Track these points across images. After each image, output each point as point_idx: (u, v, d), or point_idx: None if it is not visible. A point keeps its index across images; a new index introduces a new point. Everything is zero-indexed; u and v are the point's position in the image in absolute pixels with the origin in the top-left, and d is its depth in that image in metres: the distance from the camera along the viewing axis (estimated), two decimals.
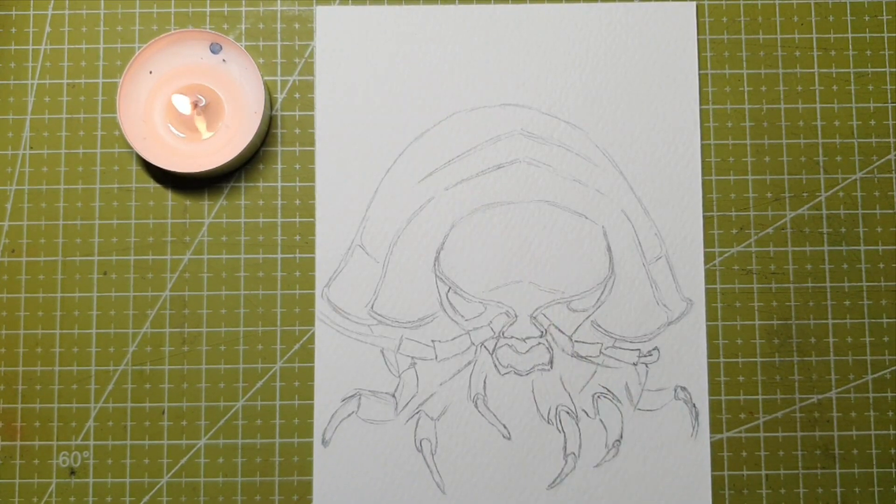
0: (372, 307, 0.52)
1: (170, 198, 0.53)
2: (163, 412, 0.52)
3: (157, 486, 0.51)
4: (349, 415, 0.51)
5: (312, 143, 0.53)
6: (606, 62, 0.54)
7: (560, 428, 0.51)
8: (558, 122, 0.53)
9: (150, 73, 0.53)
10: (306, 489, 0.51)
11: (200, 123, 0.53)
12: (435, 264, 0.52)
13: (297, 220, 0.53)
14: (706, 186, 0.53)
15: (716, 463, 0.51)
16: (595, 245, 0.52)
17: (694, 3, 0.54)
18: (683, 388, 0.51)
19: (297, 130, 0.54)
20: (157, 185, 0.53)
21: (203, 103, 0.52)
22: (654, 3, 0.54)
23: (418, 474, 0.51)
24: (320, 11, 0.54)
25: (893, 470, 0.52)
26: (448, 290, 0.52)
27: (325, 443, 0.51)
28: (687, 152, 0.53)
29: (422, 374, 0.52)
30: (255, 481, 0.51)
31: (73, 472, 0.51)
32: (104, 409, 0.52)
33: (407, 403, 0.51)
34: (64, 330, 0.52)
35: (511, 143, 0.53)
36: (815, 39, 0.54)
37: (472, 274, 0.52)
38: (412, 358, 0.52)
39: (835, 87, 0.54)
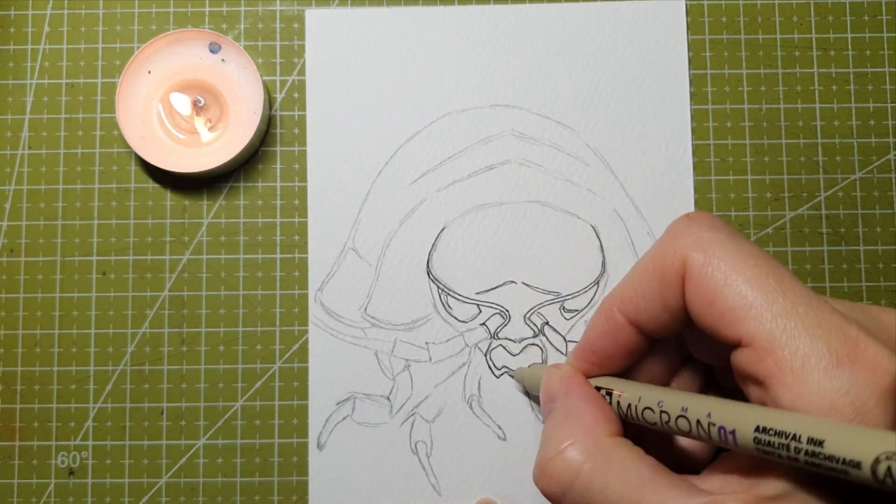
0: (365, 310, 0.52)
1: (168, 198, 0.53)
2: (161, 412, 0.52)
3: (156, 487, 0.51)
4: (344, 418, 0.51)
5: None
6: (596, 62, 0.54)
7: None
8: (549, 122, 0.53)
9: (149, 72, 0.53)
10: (305, 489, 0.51)
11: (199, 123, 0.53)
12: (428, 266, 0.52)
13: (296, 220, 0.53)
14: (705, 187, 0.53)
15: None
16: (588, 245, 0.52)
17: (683, 2, 0.54)
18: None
19: (296, 130, 0.54)
20: (156, 185, 0.53)
21: (202, 103, 0.53)
22: (643, 3, 0.54)
23: (414, 476, 0.51)
24: (310, 14, 0.54)
25: None
26: (441, 292, 0.52)
27: (320, 446, 0.51)
28: (678, 151, 0.53)
29: (416, 377, 0.52)
30: (254, 481, 0.51)
31: (71, 473, 0.52)
32: (103, 410, 0.52)
33: (402, 406, 0.51)
34: (62, 330, 0.52)
35: (502, 143, 0.53)
36: (814, 39, 0.54)
37: (466, 275, 0.52)
38: (406, 360, 0.52)
39: (834, 87, 0.54)
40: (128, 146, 0.53)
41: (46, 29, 0.54)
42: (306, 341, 0.52)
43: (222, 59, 0.53)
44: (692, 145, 0.53)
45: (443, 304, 0.52)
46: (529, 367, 0.50)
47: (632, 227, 0.52)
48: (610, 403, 0.39)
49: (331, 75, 0.54)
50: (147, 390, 0.52)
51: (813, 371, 0.31)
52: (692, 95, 0.54)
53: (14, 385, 0.52)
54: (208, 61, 0.53)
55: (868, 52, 0.54)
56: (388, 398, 0.52)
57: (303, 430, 0.52)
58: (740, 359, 0.33)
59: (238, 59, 0.53)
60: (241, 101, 0.53)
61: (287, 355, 0.52)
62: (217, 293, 0.53)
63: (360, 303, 0.52)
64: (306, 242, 0.53)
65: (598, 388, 0.40)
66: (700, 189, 0.53)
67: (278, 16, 0.55)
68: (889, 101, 0.54)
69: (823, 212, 0.53)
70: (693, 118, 0.53)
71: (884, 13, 0.54)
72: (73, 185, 0.53)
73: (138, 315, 0.53)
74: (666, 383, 0.42)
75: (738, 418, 0.32)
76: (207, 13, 0.55)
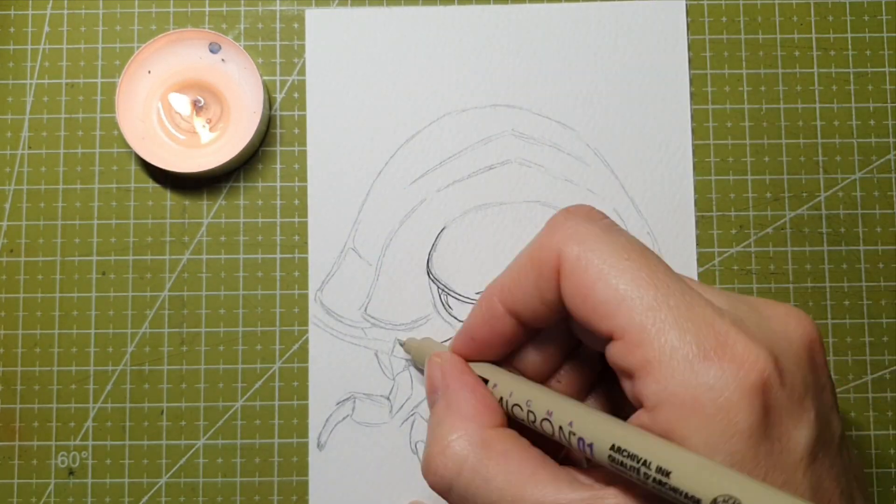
0: (365, 310, 0.52)
1: (168, 198, 0.53)
2: (161, 412, 0.52)
3: (156, 487, 0.51)
4: (344, 418, 0.51)
5: None
6: (596, 62, 0.54)
7: None
8: (549, 122, 0.53)
9: (149, 72, 0.53)
10: (305, 489, 0.51)
11: (199, 123, 0.53)
12: (428, 266, 0.52)
13: (296, 220, 0.53)
14: (705, 187, 0.53)
15: None
16: None
17: (683, 2, 0.54)
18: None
19: (296, 130, 0.54)
20: (156, 185, 0.53)
21: (202, 103, 0.53)
22: (643, 3, 0.54)
23: (414, 476, 0.51)
24: (310, 14, 0.54)
25: (893, 470, 0.51)
26: (441, 292, 0.52)
27: (320, 446, 0.51)
28: (679, 150, 0.53)
29: (416, 376, 0.52)
30: (254, 481, 0.51)
31: (71, 473, 0.52)
32: (103, 410, 0.52)
33: (402, 406, 0.51)
34: (62, 330, 0.52)
35: (502, 143, 0.53)
36: (814, 39, 0.54)
37: (466, 275, 0.52)
38: (406, 360, 0.52)
39: (834, 87, 0.54)
40: (128, 146, 0.53)
41: (46, 29, 0.54)
42: (306, 341, 0.52)
43: (222, 59, 0.53)
44: (692, 145, 0.53)
45: (443, 304, 0.52)
46: (421, 340, 0.50)
47: (632, 227, 0.52)
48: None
49: (331, 75, 0.54)
50: (147, 390, 0.52)
51: (679, 364, 0.31)
52: (692, 95, 0.54)
53: (14, 385, 0.52)
54: (208, 61, 0.53)
55: (868, 52, 0.54)
56: (388, 398, 0.52)
57: (303, 430, 0.52)
58: (612, 351, 0.33)
59: (238, 59, 0.53)
60: (241, 101, 0.53)
61: (287, 355, 0.52)
62: (217, 293, 0.53)
63: (360, 303, 0.52)
64: (306, 242, 0.53)
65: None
66: (700, 189, 0.53)
67: (278, 16, 0.55)
68: (889, 101, 0.54)
69: (823, 212, 0.53)
70: (693, 118, 0.53)
71: (884, 13, 0.54)
72: (73, 185, 0.53)
73: (138, 315, 0.53)
74: (557, 368, 0.41)
75: (597, 432, 0.32)
76: (207, 13, 0.55)
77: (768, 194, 0.53)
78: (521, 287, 0.37)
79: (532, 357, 0.41)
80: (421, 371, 0.51)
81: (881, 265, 0.53)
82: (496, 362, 0.41)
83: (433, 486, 0.37)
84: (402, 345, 0.51)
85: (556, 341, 0.41)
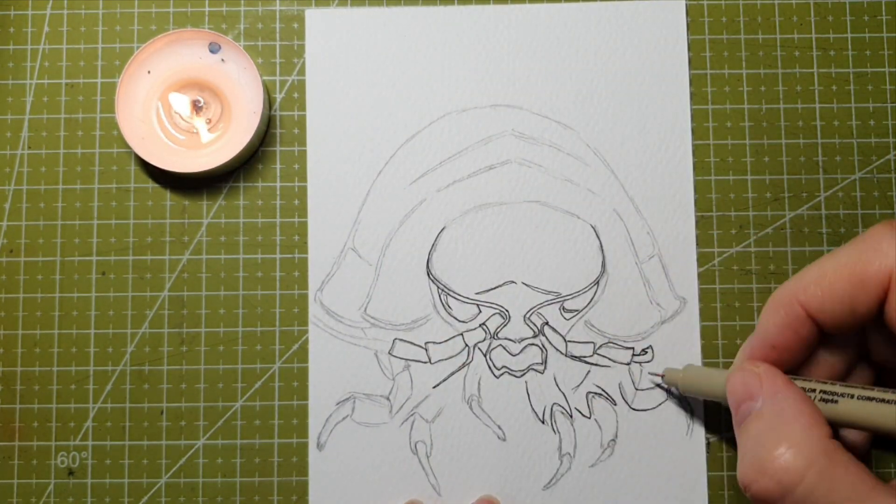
0: (365, 310, 0.52)
1: (168, 198, 0.53)
2: (161, 412, 0.52)
3: (156, 487, 0.51)
4: (344, 418, 0.51)
5: None
6: (596, 62, 0.54)
7: (555, 428, 0.51)
8: (549, 122, 0.53)
9: (149, 72, 0.53)
10: (305, 489, 0.51)
11: (199, 123, 0.53)
12: (428, 266, 0.52)
13: (296, 220, 0.53)
14: (705, 187, 0.53)
15: (715, 463, 0.51)
16: (588, 245, 0.52)
17: (683, 2, 0.54)
18: (678, 387, 0.51)
19: (296, 130, 0.54)
20: (156, 185, 0.53)
21: (202, 104, 0.53)
22: (643, 3, 0.54)
23: (414, 476, 0.51)
24: (310, 14, 0.54)
25: (893, 470, 0.51)
26: (441, 292, 0.52)
27: (320, 446, 0.51)
28: (679, 150, 0.53)
29: (416, 377, 0.52)
30: (254, 481, 0.51)
31: (71, 473, 0.51)
32: (102, 410, 0.52)
33: (402, 406, 0.51)
34: (62, 330, 0.52)
35: (502, 143, 0.53)
36: (814, 39, 0.54)
37: (465, 275, 0.52)
38: (406, 360, 0.52)
39: (834, 88, 0.54)
40: (128, 146, 0.53)
41: (46, 29, 0.54)
42: (306, 341, 0.52)
43: (222, 59, 0.53)
44: (692, 145, 0.53)
45: (443, 304, 0.52)
46: (685, 368, 0.50)
47: (632, 227, 0.52)
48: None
49: (331, 75, 0.54)
50: (147, 390, 0.52)
51: None
52: (692, 95, 0.54)
53: (14, 385, 0.52)
54: (208, 61, 0.53)
55: (868, 52, 0.54)
56: (387, 398, 0.52)
57: (303, 430, 0.51)
58: None
59: (238, 59, 0.53)
60: (241, 101, 0.53)
61: (287, 355, 0.52)
62: (217, 293, 0.53)
63: (360, 303, 0.52)
64: (306, 242, 0.53)
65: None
66: (700, 189, 0.53)
67: (278, 16, 0.55)
68: (889, 101, 0.54)
69: (823, 212, 0.53)
70: (693, 118, 0.53)
71: (884, 13, 0.54)
72: (72, 185, 0.53)
73: (138, 315, 0.53)
74: (842, 380, 0.42)
75: None
76: (207, 13, 0.55)
77: (768, 194, 0.53)
78: (833, 296, 0.38)
79: (825, 363, 0.42)
80: (671, 394, 0.52)
81: None
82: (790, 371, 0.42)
83: (760, 494, 0.37)
84: (659, 377, 0.51)
85: (845, 352, 0.42)
